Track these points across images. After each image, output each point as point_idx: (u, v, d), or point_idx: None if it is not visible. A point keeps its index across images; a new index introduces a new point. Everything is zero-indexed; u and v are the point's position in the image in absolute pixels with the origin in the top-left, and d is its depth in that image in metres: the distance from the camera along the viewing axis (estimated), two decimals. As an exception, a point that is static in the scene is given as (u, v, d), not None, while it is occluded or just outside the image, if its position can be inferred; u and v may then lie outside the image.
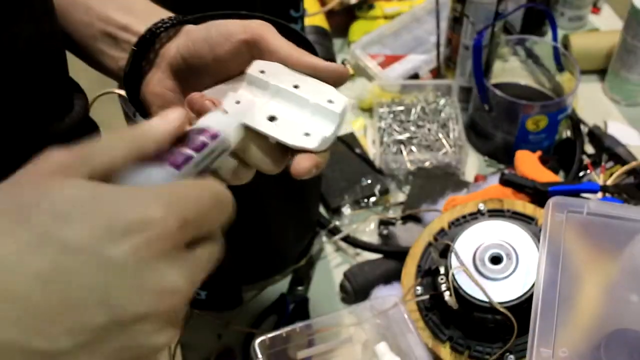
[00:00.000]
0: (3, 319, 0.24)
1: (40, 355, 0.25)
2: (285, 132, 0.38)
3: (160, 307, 0.26)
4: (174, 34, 0.45)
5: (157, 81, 0.45)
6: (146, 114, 0.46)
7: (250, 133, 0.38)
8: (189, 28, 0.45)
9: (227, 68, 0.42)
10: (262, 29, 0.42)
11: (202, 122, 0.34)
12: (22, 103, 0.42)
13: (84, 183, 0.27)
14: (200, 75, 0.43)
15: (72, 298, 0.25)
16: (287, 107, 0.39)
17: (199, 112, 0.39)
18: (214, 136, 0.33)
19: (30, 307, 0.24)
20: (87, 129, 0.50)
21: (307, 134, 0.38)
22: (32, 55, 0.41)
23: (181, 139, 0.32)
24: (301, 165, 0.38)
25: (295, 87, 0.40)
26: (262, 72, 0.40)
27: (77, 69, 0.49)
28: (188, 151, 0.31)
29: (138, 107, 0.46)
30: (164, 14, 0.46)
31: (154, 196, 0.27)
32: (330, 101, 0.39)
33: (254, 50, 0.41)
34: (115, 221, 0.26)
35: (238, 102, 0.39)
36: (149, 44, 0.45)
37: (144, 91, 0.45)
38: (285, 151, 0.40)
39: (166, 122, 0.31)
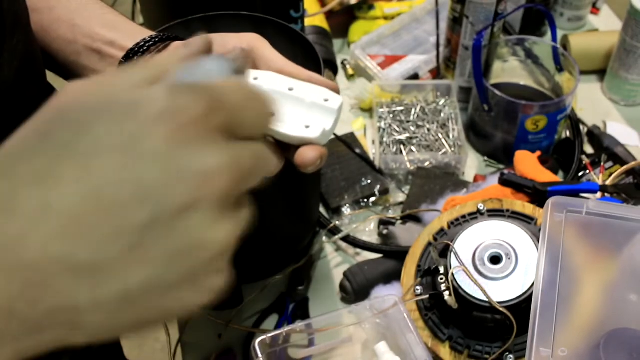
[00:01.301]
0: (43, 234, 0.23)
1: (88, 269, 0.23)
2: (286, 126, 0.39)
3: (205, 191, 0.24)
4: (162, 47, 0.45)
5: None
6: None
7: None
8: (179, 42, 0.46)
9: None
10: (257, 40, 0.43)
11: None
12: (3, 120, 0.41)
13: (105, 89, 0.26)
14: None
15: (107, 197, 0.23)
16: (284, 106, 0.40)
17: None
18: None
19: (67, 218, 0.23)
20: None
21: (307, 126, 0.39)
22: (10, 70, 0.40)
23: None
24: (307, 156, 0.38)
25: (290, 89, 0.40)
26: (255, 79, 0.41)
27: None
28: None
29: None
30: (150, 33, 0.47)
31: (180, 87, 0.25)
32: (326, 100, 0.40)
33: (248, 59, 0.42)
34: (143, 110, 0.24)
35: None
36: (137, 56, 0.45)
37: None
38: (283, 150, 0.40)
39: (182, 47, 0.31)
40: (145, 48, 0.45)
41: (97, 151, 0.23)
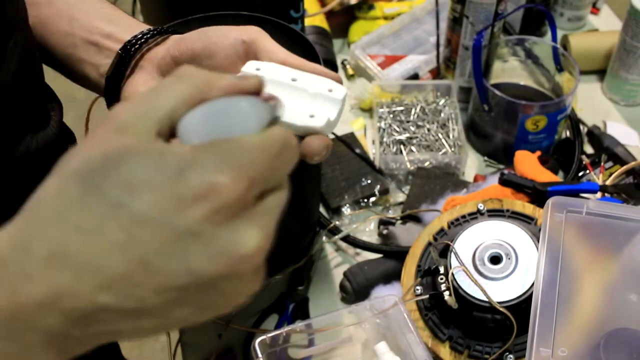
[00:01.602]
0: (93, 286, 0.25)
1: (133, 313, 0.26)
2: (290, 115, 0.38)
3: (243, 267, 0.27)
4: (161, 40, 0.45)
5: (142, 82, 0.45)
6: None
7: None
8: (178, 35, 0.46)
9: (222, 68, 0.42)
10: (259, 33, 0.43)
11: None
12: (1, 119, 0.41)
13: (148, 149, 0.27)
14: None
15: (151, 265, 0.26)
16: (288, 97, 0.39)
17: None
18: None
19: (114, 274, 0.25)
20: (63, 139, 0.49)
21: (312, 116, 0.38)
22: (7, 70, 0.40)
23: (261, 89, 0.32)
24: (314, 145, 0.38)
25: (293, 80, 0.40)
26: (258, 69, 0.40)
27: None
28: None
29: None
30: (148, 26, 0.47)
31: (219, 160, 0.27)
32: (330, 90, 0.40)
33: (250, 51, 0.42)
34: (182, 190, 0.26)
35: None
36: (135, 48, 0.45)
37: (125, 93, 0.45)
38: None
39: (233, 76, 0.31)
40: (142, 41, 0.45)
41: (142, 220, 0.26)
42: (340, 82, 0.41)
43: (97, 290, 0.25)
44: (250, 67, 0.40)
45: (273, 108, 0.30)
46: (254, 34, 0.43)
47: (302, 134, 0.38)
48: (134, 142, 0.27)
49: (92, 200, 0.26)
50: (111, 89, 0.45)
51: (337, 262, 0.75)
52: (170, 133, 0.29)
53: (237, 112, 0.29)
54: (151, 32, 0.46)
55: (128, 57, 0.45)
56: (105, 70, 0.45)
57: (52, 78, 0.49)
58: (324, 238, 0.75)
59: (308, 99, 0.39)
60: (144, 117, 0.28)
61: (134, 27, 0.47)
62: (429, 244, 0.64)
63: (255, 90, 0.31)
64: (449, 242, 0.61)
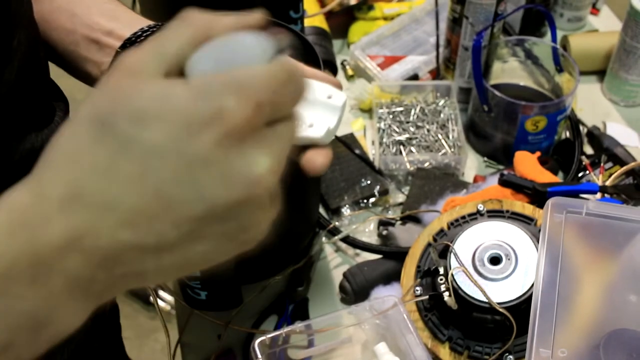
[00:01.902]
0: (113, 224, 0.26)
1: (154, 248, 0.26)
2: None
3: (257, 191, 0.27)
4: None
5: None
6: None
7: None
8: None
9: None
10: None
11: None
12: (1, 116, 0.41)
13: (156, 82, 0.27)
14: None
15: (167, 196, 0.26)
16: None
17: None
18: None
19: (132, 209, 0.26)
20: None
21: (311, 125, 0.38)
22: (12, 68, 0.40)
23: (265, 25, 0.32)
24: (317, 162, 0.38)
25: None
26: None
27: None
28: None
29: None
30: (149, 22, 0.46)
31: (224, 85, 0.27)
32: (329, 97, 0.39)
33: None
34: (190, 118, 0.26)
35: None
36: (134, 46, 0.45)
37: None
38: None
39: (238, 17, 0.31)
40: (142, 38, 0.45)
41: (154, 151, 0.26)
42: (339, 87, 0.41)
43: (117, 227, 0.26)
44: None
45: (278, 40, 0.30)
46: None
47: (301, 144, 0.38)
48: (143, 80, 0.27)
49: (103, 138, 0.26)
50: None
51: (336, 262, 0.75)
52: (178, 74, 0.29)
53: (242, 46, 0.29)
54: (151, 29, 0.45)
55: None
56: (106, 68, 0.45)
57: (54, 78, 0.49)
58: (323, 239, 0.75)
59: (307, 108, 0.38)
60: (152, 60, 0.28)
61: (134, 23, 0.47)
62: (429, 244, 0.64)
63: (258, 25, 0.31)
64: (449, 243, 0.61)
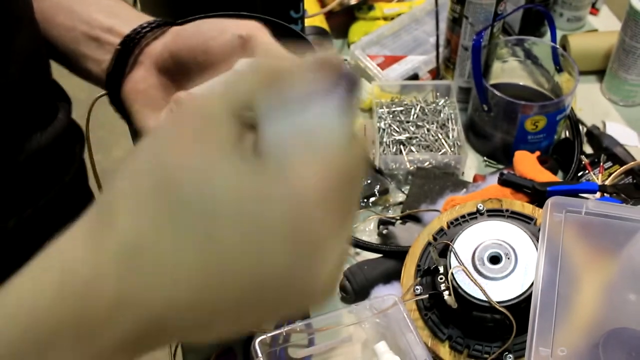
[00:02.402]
0: (169, 286, 0.24)
1: (209, 313, 0.25)
2: None
3: (328, 289, 0.27)
4: (160, 34, 0.45)
5: (141, 79, 0.44)
6: (126, 114, 0.45)
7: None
8: (177, 27, 0.45)
9: (218, 64, 0.42)
10: (256, 29, 0.42)
11: None
12: (4, 117, 0.41)
13: (230, 167, 0.25)
14: (189, 73, 0.42)
15: (245, 304, 0.25)
16: None
17: None
18: None
19: (193, 273, 0.24)
20: (72, 135, 0.49)
21: None
22: (15, 68, 0.40)
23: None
24: None
25: None
26: None
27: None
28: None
29: (118, 107, 0.46)
30: (149, 18, 0.46)
31: (307, 192, 0.25)
32: None
33: (247, 47, 0.41)
34: (271, 224, 0.24)
35: None
36: (134, 43, 0.44)
37: (125, 89, 0.44)
38: None
39: (307, 62, 0.28)
40: (141, 35, 0.44)
41: (224, 258, 0.24)
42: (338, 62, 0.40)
43: (173, 289, 0.24)
44: (242, 65, 0.39)
45: (351, 91, 0.28)
46: (252, 29, 0.42)
47: None
48: (216, 154, 0.25)
49: (169, 204, 0.24)
50: (112, 85, 0.45)
51: (336, 262, 0.75)
52: (247, 119, 0.27)
53: (322, 116, 0.26)
54: (150, 26, 0.45)
55: (127, 52, 0.44)
56: (107, 66, 0.45)
57: (56, 78, 0.49)
58: (323, 238, 0.75)
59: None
60: (221, 106, 0.26)
61: (134, 19, 0.46)
62: (429, 243, 0.64)
63: (333, 70, 0.28)
64: (449, 242, 0.61)
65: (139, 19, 0.46)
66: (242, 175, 0.24)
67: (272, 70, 0.27)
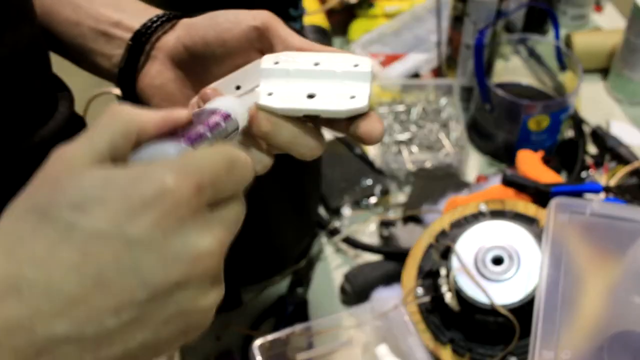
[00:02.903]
0: (50, 315, 0.25)
1: (93, 340, 0.26)
2: (330, 102, 0.37)
3: (196, 271, 0.27)
4: (170, 27, 0.44)
5: (157, 73, 0.44)
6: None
7: (283, 118, 0.37)
8: (188, 20, 0.45)
9: (235, 56, 0.42)
10: (272, 18, 0.41)
11: (213, 104, 0.35)
12: (4, 113, 0.41)
13: (93, 170, 0.27)
14: (205, 65, 0.42)
15: (107, 281, 0.26)
16: (319, 84, 0.38)
17: None
18: (226, 117, 0.34)
19: (71, 298, 0.25)
20: (74, 127, 0.49)
21: (352, 97, 0.38)
22: (14, 62, 0.40)
23: (191, 120, 0.33)
24: (376, 130, 0.38)
25: (316, 64, 0.39)
26: (276, 62, 0.39)
27: (72, 70, 0.48)
28: (202, 129, 0.32)
29: (132, 102, 0.46)
30: (156, 11, 0.46)
31: (164, 168, 0.27)
32: (355, 65, 0.39)
33: (263, 38, 0.41)
34: (130, 199, 0.26)
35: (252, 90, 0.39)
36: (145, 37, 0.44)
37: (140, 85, 0.44)
38: (330, 125, 0.39)
39: (164, 114, 0.31)
40: (152, 30, 0.44)
41: (93, 236, 0.26)
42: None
43: (53, 318, 0.25)
44: (268, 62, 0.39)
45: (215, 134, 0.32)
46: (267, 19, 0.41)
47: (346, 117, 0.38)
48: (80, 168, 0.27)
49: (43, 228, 0.26)
50: (125, 79, 0.45)
51: (337, 263, 0.74)
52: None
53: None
54: (160, 20, 0.45)
55: (139, 47, 0.44)
56: (118, 60, 0.45)
57: (57, 69, 0.48)
58: (323, 239, 0.75)
59: (338, 80, 0.38)
60: (85, 151, 0.28)
61: (141, 12, 0.46)
62: (430, 245, 0.64)
63: (185, 123, 0.32)
64: (451, 244, 0.60)
65: (147, 12, 0.46)
66: (107, 173, 0.27)
67: (130, 117, 0.30)
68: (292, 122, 0.38)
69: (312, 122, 0.39)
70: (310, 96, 0.38)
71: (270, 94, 0.38)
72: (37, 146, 0.43)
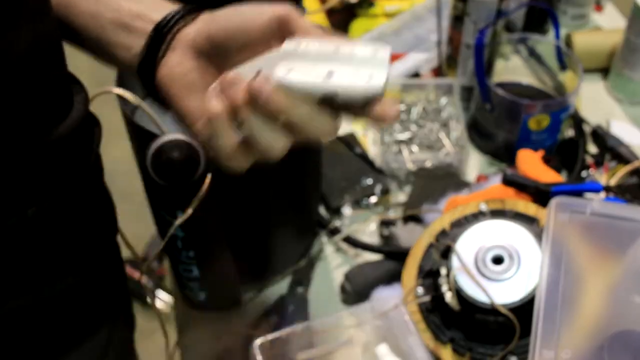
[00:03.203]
0: None
1: None
2: (349, 82, 0.38)
3: None
4: (191, 20, 0.45)
5: (176, 63, 0.44)
6: (160, 99, 0.46)
7: (301, 97, 0.39)
8: (209, 13, 0.46)
9: (256, 46, 0.43)
10: (292, 11, 0.43)
11: None
12: (22, 110, 0.41)
13: None
14: (227, 55, 0.43)
15: None
16: (339, 66, 0.39)
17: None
18: None
19: None
20: (89, 125, 0.50)
21: (370, 80, 0.39)
22: (30, 59, 0.40)
23: None
24: (390, 112, 0.39)
25: (336, 50, 0.40)
26: (299, 45, 0.40)
27: (74, 68, 0.49)
28: None
29: (152, 94, 0.46)
30: (174, 4, 0.47)
31: None
32: (374, 51, 0.40)
33: (284, 29, 0.42)
34: None
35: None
36: (167, 29, 0.45)
37: (161, 75, 0.45)
38: (347, 111, 0.40)
39: None
40: (174, 22, 0.45)
41: None
42: None
43: None
44: (290, 45, 0.41)
45: None
46: (289, 10, 0.43)
47: (364, 100, 0.39)
48: None
49: None
50: (144, 70, 0.46)
51: (337, 263, 0.74)
52: None
53: None
54: (182, 12, 0.46)
55: (160, 38, 0.45)
56: (137, 51, 0.45)
57: (72, 67, 0.49)
58: (324, 239, 0.75)
59: (357, 65, 0.39)
60: None
61: (161, 5, 0.47)
62: (431, 244, 0.64)
63: None
64: (451, 243, 0.60)
65: (166, 4, 0.47)
66: None
67: None
68: (308, 102, 0.39)
69: (328, 106, 0.39)
70: (329, 76, 0.39)
71: (289, 71, 0.39)
72: (55, 143, 0.43)
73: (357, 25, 0.99)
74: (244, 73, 0.41)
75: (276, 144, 0.40)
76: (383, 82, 0.38)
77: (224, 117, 0.41)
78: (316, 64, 0.39)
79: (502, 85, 0.82)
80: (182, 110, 0.44)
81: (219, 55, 0.44)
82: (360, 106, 0.39)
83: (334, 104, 0.39)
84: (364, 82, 0.38)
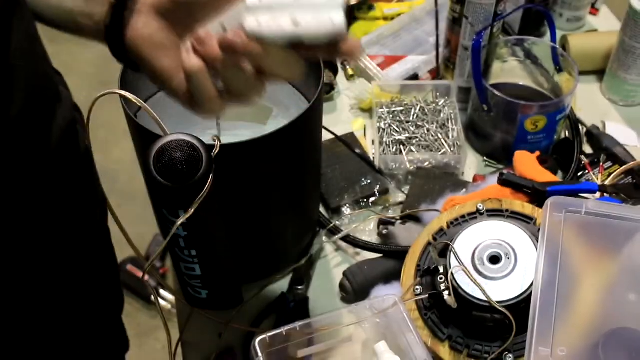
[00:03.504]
0: None
1: None
2: (311, 27, 0.43)
3: None
4: None
5: (143, 25, 0.45)
6: (131, 62, 0.47)
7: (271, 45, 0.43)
8: None
9: (218, 2, 0.45)
10: None
11: None
12: (16, 111, 0.42)
13: None
14: (190, 13, 0.45)
15: None
16: (299, 13, 0.43)
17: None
18: None
19: None
20: (74, 124, 0.50)
21: (331, 21, 0.43)
22: (21, 59, 0.41)
23: None
24: (354, 45, 0.43)
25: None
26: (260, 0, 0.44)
27: (78, 71, 0.49)
28: None
29: (122, 58, 0.47)
30: None
31: None
32: None
33: None
34: None
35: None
36: None
37: (129, 38, 0.46)
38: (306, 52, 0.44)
39: None
40: None
41: None
42: None
43: None
44: (252, 1, 0.43)
45: None
46: None
47: (328, 39, 0.43)
48: None
49: None
50: (112, 36, 0.46)
51: (337, 261, 0.75)
52: None
53: None
54: None
55: (123, 3, 0.45)
56: (100, 18, 0.46)
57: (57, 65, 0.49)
58: (324, 238, 0.75)
59: (317, 9, 0.43)
60: None
61: None
62: (429, 243, 0.64)
63: None
64: (449, 242, 0.61)
65: None
66: None
67: None
68: (279, 48, 0.43)
69: (295, 49, 0.44)
70: (295, 24, 0.43)
71: (258, 23, 0.43)
72: (61, 133, 0.44)
73: (357, 28, 1.00)
74: (213, 30, 0.44)
75: (252, 88, 0.44)
76: (343, 20, 0.42)
77: (204, 71, 0.43)
78: (282, 13, 0.43)
79: (499, 86, 0.82)
80: (156, 70, 0.45)
81: (183, 14, 0.45)
82: (326, 45, 0.43)
83: (302, 47, 0.43)
84: (327, 23, 0.42)
